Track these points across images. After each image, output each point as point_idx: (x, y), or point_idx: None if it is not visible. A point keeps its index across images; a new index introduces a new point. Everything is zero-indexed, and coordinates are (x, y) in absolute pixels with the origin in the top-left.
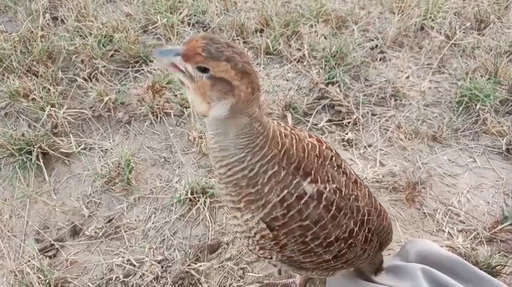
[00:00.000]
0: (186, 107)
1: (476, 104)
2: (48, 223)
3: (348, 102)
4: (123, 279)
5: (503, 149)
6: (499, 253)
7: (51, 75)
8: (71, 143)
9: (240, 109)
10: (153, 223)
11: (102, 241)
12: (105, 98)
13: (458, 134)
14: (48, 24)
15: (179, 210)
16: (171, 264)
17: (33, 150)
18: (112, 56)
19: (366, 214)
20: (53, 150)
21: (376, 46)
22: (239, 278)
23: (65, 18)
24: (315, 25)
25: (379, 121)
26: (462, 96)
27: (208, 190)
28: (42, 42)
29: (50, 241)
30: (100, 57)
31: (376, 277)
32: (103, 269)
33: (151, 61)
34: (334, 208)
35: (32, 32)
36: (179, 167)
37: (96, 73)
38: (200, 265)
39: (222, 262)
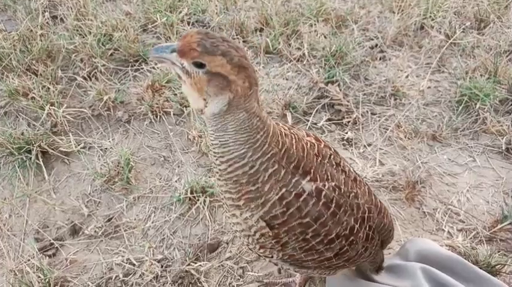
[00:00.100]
0: (185, 106)
1: (476, 104)
2: (48, 222)
3: (348, 102)
4: (123, 278)
5: (503, 148)
6: (498, 252)
7: (51, 74)
8: (70, 142)
9: (238, 104)
10: (152, 222)
11: (102, 240)
12: (105, 97)
13: (458, 133)
14: (47, 23)
15: (179, 209)
16: (170, 263)
17: (33, 149)
18: (111, 55)
19: (367, 211)
20: (52, 149)
21: (376, 45)
22: (239, 278)
23: (65, 17)
24: (315, 24)
25: (379, 120)
26: (462, 95)
27: (207, 189)
28: (41, 41)
29: (50, 240)
30: (99, 56)
31: (376, 276)
32: (103, 269)
33: (151, 60)
34: (333, 205)
35: (31, 30)
36: (179, 166)
37: (95, 72)
38: (200, 265)
39: (222, 261)
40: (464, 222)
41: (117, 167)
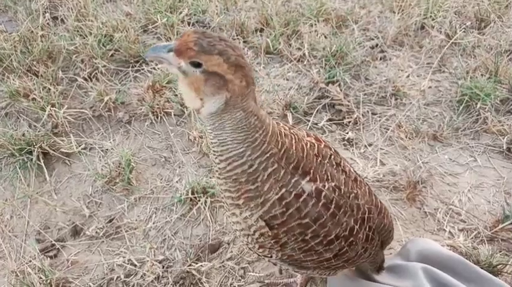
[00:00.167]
0: (186, 107)
1: (476, 103)
2: (49, 223)
3: (348, 102)
4: (124, 279)
5: (504, 148)
6: (500, 252)
7: (52, 75)
8: (71, 143)
9: (235, 103)
10: (153, 223)
11: (103, 241)
12: (106, 97)
13: (459, 133)
14: (48, 23)
15: (180, 210)
16: (172, 264)
17: (34, 150)
18: (112, 55)
19: (367, 212)
20: (53, 150)
21: (377, 45)
22: (240, 278)
23: (65, 18)
24: (315, 24)
25: (380, 120)
26: (463, 95)
27: (209, 189)
28: (42, 42)
29: (51, 241)
30: (100, 56)
31: (377, 276)
32: (104, 269)
33: (151, 61)
34: (333, 206)
35: (32, 31)
36: (180, 167)
37: (96, 73)
38: (201, 265)
39: (223, 261)
40: (465, 222)
41: (118, 168)
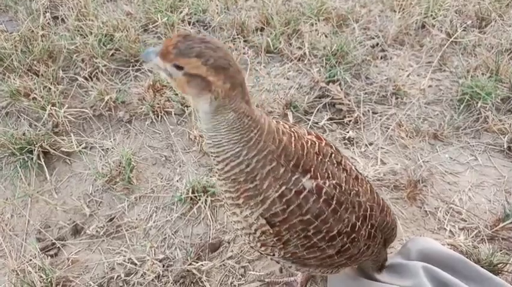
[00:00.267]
0: (186, 106)
1: (477, 102)
2: (50, 222)
3: (349, 101)
4: (125, 278)
5: (505, 147)
6: (500, 251)
7: (52, 75)
8: (71, 142)
9: (224, 105)
10: (154, 222)
11: (104, 240)
12: (106, 97)
13: (460, 132)
14: (48, 23)
15: (180, 209)
16: (172, 263)
17: (34, 149)
18: (113, 55)
19: (368, 209)
20: (54, 149)
21: (377, 44)
22: (240, 277)
23: (66, 18)
24: (316, 23)
25: (380, 119)
26: (463, 94)
27: (209, 188)
28: (42, 41)
29: (52, 240)
30: (101, 56)
31: (378, 275)
32: (104, 268)
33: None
34: (334, 202)
35: (32, 31)
36: (180, 166)
37: (96, 72)
38: (201, 264)
39: (224, 260)
40: (466, 221)
41: (119, 167)
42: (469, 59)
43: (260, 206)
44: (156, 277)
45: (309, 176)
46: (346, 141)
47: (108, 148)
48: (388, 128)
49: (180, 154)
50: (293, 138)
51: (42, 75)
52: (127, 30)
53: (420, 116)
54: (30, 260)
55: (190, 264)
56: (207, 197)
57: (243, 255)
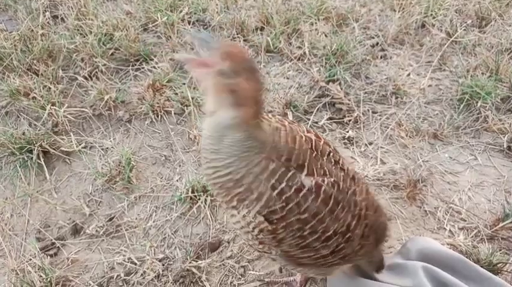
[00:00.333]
0: (186, 106)
1: (477, 102)
2: (49, 221)
3: (349, 100)
4: (124, 277)
5: (505, 146)
6: (500, 250)
7: (52, 74)
8: (71, 141)
9: (240, 125)
10: (154, 222)
11: (103, 240)
12: (106, 96)
13: (459, 131)
14: (48, 22)
15: (180, 208)
16: (172, 262)
17: (34, 149)
18: (112, 54)
19: (364, 209)
20: (53, 149)
21: (377, 44)
22: (240, 276)
23: (65, 17)
24: (316, 23)
25: (380, 119)
26: (463, 93)
27: (209, 188)
28: (42, 40)
29: (51, 240)
30: (100, 55)
31: (377, 275)
32: (104, 268)
33: (151, 59)
34: (332, 201)
35: (32, 30)
36: (180, 166)
37: (96, 72)
38: (201, 263)
39: (223, 260)
40: (465, 221)
41: (118, 166)
42: (469, 58)
43: (256, 204)
44: (155, 276)
45: (305, 172)
46: (345, 140)
47: (107, 148)
48: (388, 128)
49: (179, 153)
50: (284, 132)
51: (41, 74)
52: (127, 30)
53: (420, 116)
54: (30, 259)
55: (190, 263)
56: (207, 196)
57: (243, 255)
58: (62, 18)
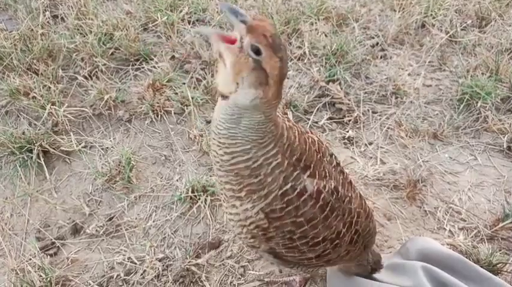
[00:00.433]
0: (186, 105)
1: (477, 102)
2: (49, 221)
3: (349, 100)
4: (124, 277)
5: (505, 146)
6: (500, 250)
7: (52, 74)
8: (71, 141)
9: (261, 106)
10: (153, 221)
11: (103, 239)
12: (106, 96)
13: (459, 131)
14: (48, 22)
15: (180, 208)
16: (171, 262)
17: (34, 148)
18: (112, 54)
19: (355, 216)
20: (53, 148)
21: (377, 44)
22: (240, 276)
23: (65, 16)
24: (316, 23)
25: (380, 119)
26: (463, 93)
27: (208, 188)
28: (42, 40)
29: (51, 239)
30: (100, 55)
31: (377, 274)
32: (104, 267)
33: (151, 59)
34: (328, 209)
35: (32, 30)
36: (180, 165)
37: (96, 71)
38: (201, 260)
39: (223, 260)
40: (465, 221)
41: (118, 166)
42: (469, 58)
43: (263, 201)
44: (155, 276)
45: (308, 173)
46: (345, 140)
47: (107, 147)
48: (388, 128)
49: (179, 153)
50: (297, 132)
51: (41, 74)
52: (127, 29)
53: (420, 116)
54: (30, 259)
55: (189, 262)
56: (207, 196)
57: (243, 255)
58: (62, 18)
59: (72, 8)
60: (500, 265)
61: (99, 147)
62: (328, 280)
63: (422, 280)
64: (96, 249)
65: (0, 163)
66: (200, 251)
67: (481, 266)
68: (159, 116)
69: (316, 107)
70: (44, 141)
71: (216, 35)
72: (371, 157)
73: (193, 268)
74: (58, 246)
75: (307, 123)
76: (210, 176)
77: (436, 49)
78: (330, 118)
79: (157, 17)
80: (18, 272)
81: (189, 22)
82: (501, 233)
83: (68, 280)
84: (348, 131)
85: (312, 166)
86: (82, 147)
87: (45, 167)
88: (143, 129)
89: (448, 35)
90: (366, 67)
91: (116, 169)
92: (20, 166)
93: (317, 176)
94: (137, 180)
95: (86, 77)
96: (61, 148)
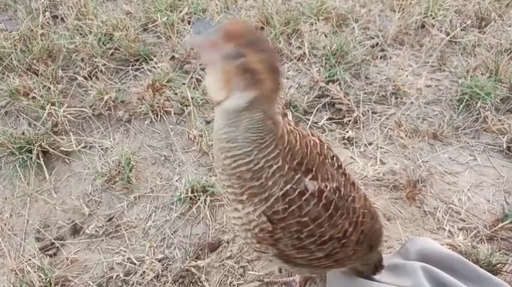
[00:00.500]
0: (186, 106)
1: (477, 102)
2: (49, 221)
3: (349, 101)
4: (124, 277)
5: (504, 147)
6: (499, 251)
7: (51, 74)
8: (71, 141)
9: (258, 104)
10: (153, 222)
11: (103, 240)
12: (105, 96)
13: (459, 132)
14: (48, 22)
15: (179, 208)
16: (171, 262)
17: (34, 149)
18: (112, 54)
19: (361, 216)
20: (53, 149)
21: (377, 44)
22: (239, 277)
23: (65, 17)
24: (316, 23)
25: (380, 119)
26: (463, 94)
27: (208, 188)
28: (42, 40)
29: (51, 240)
30: (100, 55)
31: (376, 275)
32: (103, 268)
33: (151, 59)
34: (332, 207)
35: (32, 30)
36: (179, 166)
37: (96, 71)
38: (200, 262)
39: (223, 260)
40: (465, 221)
41: (118, 166)
42: (469, 59)
43: (264, 204)
44: (155, 276)
45: (310, 176)
46: (345, 141)
47: (107, 148)
48: (388, 128)
49: (179, 153)
50: (298, 136)
51: (41, 74)
52: (126, 30)
53: (420, 116)
54: (29, 259)
55: (189, 263)
56: (207, 197)
57: (242, 255)
58: (62, 18)
59: (72, 8)
60: (499, 265)
61: (98, 147)
62: (328, 280)
63: (421, 280)
64: (96, 249)
65: None
66: (200, 252)
67: (481, 267)
68: (159, 116)
69: (316, 108)
70: (43, 141)
71: (202, 45)
72: (371, 157)
73: (192, 269)
74: (57, 246)
75: (307, 123)
76: (210, 176)
77: (436, 49)
78: (330, 118)
79: (157, 18)
80: (18, 273)
81: (189, 22)
82: (500, 234)
83: (68, 280)
84: (347, 132)
85: (313, 169)
86: (82, 147)
87: (44, 167)
88: (143, 129)
89: (449, 37)
90: (365, 67)
91: (116, 169)
92: (19, 166)
93: (319, 179)
94: (137, 180)
95: (85, 78)
96: (61, 148)
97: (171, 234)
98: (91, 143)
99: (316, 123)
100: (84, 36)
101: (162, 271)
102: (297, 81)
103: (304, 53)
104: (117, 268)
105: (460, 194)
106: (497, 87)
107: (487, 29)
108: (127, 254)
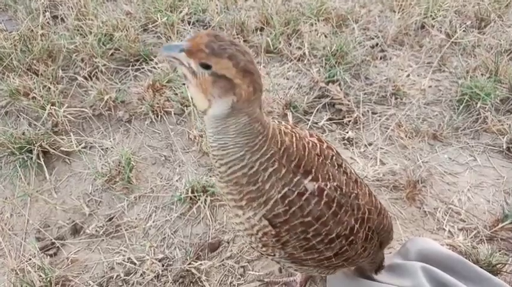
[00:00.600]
0: (186, 106)
1: (476, 103)
2: (49, 221)
3: (349, 101)
4: (124, 277)
5: (504, 147)
6: (499, 251)
7: (52, 74)
8: (71, 141)
9: (241, 108)
10: (153, 222)
11: (103, 240)
12: (106, 96)
13: (459, 132)
14: (48, 22)
15: (180, 208)
16: (171, 262)
17: (34, 149)
18: (112, 54)
19: (367, 213)
20: (53, 149)
21: (377, 44)
22: (240, 277)
23: (65, 17)
24: (316, 23)
25: (380, 120)
26: (463, 94)
27: (208, 188)
28: (42, 41)
29: (51, 240)
30: (100, 55)
31: (376, 275)
32: (104, 268)
33: (151, 59)
34: (335, 204)
35: (32, 30)
36: (180, 166)
37: (96, 72)
38: (201, 263)
39: (223, 260)
40: (465, 221)
41: (118, 166)
42: (469, 59)
43: (263, 207)
44: (155, 276)
45: (310, 177)
46: (345, 141)
47: (107, 148)
48: (388, 129)
49: (179, 153)
50: (294, 138)
51: (41, 74)
52: (127, 30)
53: (420, 117)
54: (30, 259)
55: (189, 264)
56: (207, 196)
57: (242, 255)
58: (62, 19)
59: (72, 8)
60: (499, 265)
61: (99, 147)
62: (328, 280)
63: (422, 280)
64: (96, 249)
65: (0, 163)
66: (200, 252)
67: (481, 267)
68: (159, 116)
69: (316, 108)
70: (43, 141)
71: (178, 61)
72: (371, 158)
73: (193, 270)
74: (58, 246)
75: (307, 124)
76: (210, 176)
77: (436, 50)
78: (330, 119)
79: (157, 18)
80: (18, 273)
81: (189, 23)
82: (500, 234)
83: (68, 280)
84: (347, 132)
85: (313, 170)
86: (82, 147)
87: (45, 167)
88: (143, 129)
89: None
90: (365, 68)
91: (116, 169)
92: (19, 166)
93: (320, 180)
94: (137, 180)
95: (85, 78)
96: (61, 149)
97: (171, 234)
98: (91, 143)
99: (316, 123)
100: (84, 37)
101: (162, 270)
102: (297, 82)
103: (304, 53)
104: (118, 267)
105: (460, 194)
106: (497, 88)
107: (486, 29)
108: (127, 254)
